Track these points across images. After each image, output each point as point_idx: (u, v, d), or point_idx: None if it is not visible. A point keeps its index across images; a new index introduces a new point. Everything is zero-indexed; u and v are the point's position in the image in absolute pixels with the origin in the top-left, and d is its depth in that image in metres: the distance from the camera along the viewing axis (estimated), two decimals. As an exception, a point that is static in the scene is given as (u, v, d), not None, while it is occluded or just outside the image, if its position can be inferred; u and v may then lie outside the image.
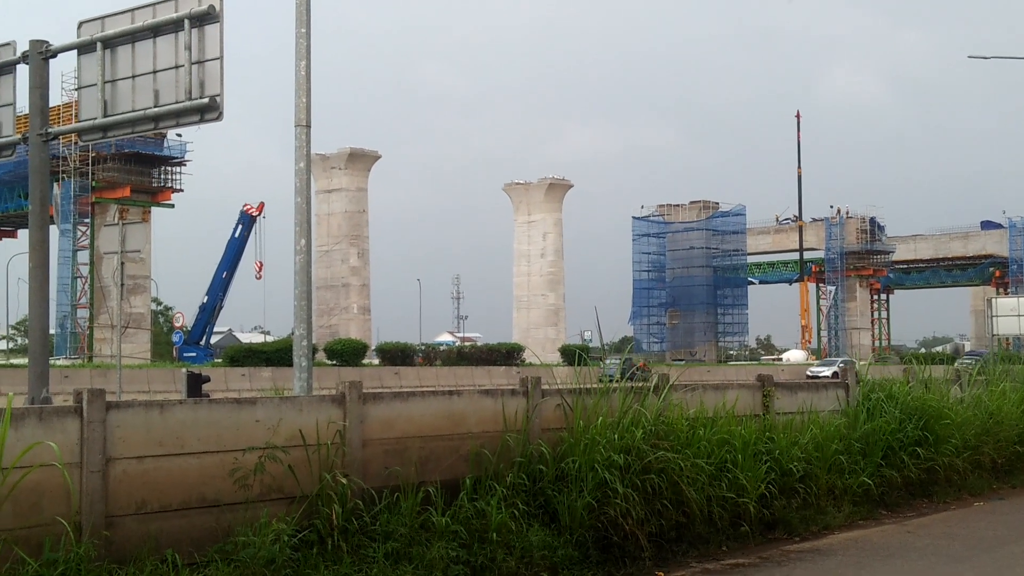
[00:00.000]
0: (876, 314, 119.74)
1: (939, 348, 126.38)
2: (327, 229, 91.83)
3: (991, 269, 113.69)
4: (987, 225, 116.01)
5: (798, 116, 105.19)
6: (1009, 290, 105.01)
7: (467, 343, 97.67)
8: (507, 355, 68.83)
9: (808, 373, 63.89)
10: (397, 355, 65.22)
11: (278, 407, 9.92)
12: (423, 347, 76.75)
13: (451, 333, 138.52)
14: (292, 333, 14.88)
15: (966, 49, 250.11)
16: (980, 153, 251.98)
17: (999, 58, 42.45)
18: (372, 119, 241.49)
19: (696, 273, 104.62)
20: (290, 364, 14.60)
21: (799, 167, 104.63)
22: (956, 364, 31.34)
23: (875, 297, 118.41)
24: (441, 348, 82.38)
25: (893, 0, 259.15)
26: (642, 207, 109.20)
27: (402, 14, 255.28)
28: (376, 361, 66.88)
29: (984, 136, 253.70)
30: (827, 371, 60.20)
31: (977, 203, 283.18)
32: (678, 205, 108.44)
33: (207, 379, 24.17)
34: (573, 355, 41.88)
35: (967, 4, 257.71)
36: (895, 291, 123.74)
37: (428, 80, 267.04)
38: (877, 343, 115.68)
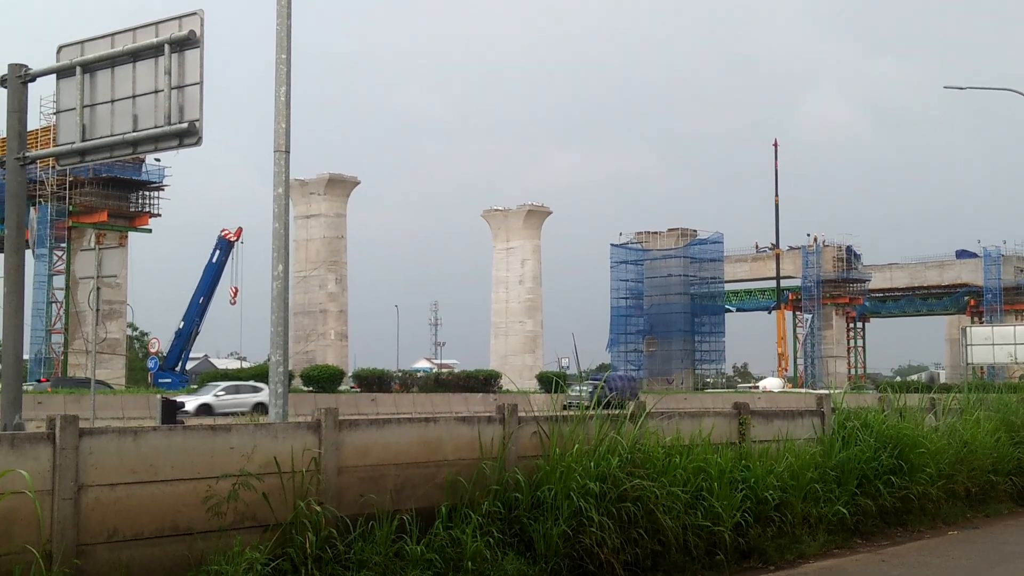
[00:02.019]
0: (852, 342, 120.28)
1: (914, 377, 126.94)
2: (305, 255, 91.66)
3: (966, 298, 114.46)
4: (962, 254, 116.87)
5: (775, 145, 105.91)
6: (984, 319, 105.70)
7: (444, 370, 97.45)
8: (484, 382, 68.71)
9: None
10: (374, 381, 64.98)
11: (253, 434, 9.88)
12: (400, 374, 76.53)
13: (429, 360, 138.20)
14: (268, 359, 14.84)
15: (942, 79, 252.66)
16: (956, 182, 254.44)
17: (974, 88, 42.91)
18: (352, 144, 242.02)
19: (673, 300, 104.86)
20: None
21: (776, 195, 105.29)
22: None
23: (851, 325, 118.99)
24: (418, 375, 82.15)
25: (869, 29, 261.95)
26: (620, 234, 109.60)
27: (383, 39, 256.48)
28: (353, 388, 66.63)
29: (960, 165, 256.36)
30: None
31: (953, 232, 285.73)
32: (656, 232, 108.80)
33: (182, 405, 24.05)
34: (550, 382, 41.95)
35: (942, 34, 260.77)
36: (871, 319, 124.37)
37: (409, 105, 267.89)
38: (853, 371, 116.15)
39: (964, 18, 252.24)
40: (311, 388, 60.75)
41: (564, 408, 13.29)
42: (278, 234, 14.04)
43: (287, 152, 14.14)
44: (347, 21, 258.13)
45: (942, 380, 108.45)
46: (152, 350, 71.48)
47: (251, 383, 52.25)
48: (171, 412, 22.58)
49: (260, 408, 36.35)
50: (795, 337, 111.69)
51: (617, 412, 13.44)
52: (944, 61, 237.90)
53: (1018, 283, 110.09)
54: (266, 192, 14.23)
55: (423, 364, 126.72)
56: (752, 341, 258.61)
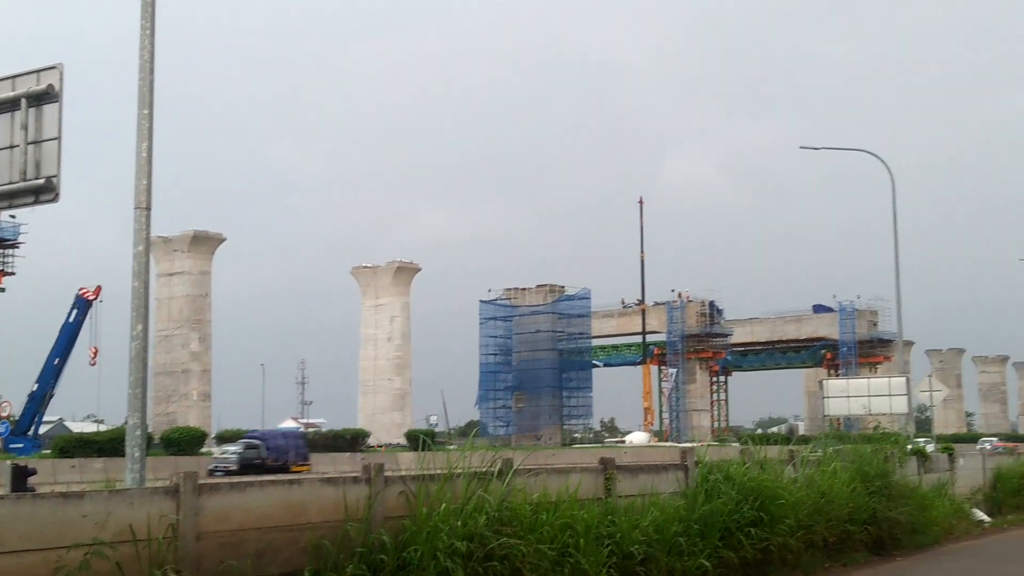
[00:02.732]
0: (715, 396, 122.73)
1: (775, 429, 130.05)
2: (168, 313, 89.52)
3: (823, 351, 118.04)
4: (819, 309, 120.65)
5: (641, 202, 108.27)
6: (840, 372, 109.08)
7: (311, 429, 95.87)
8: (352, 441, 67.91)
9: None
10: (239, 442, 63.43)
11: (107, 501, 9.54)
12: (266, 434, 74.87)
13: (295, 419, 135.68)
14: (126, 422, 14.40)
15: (798, 139, 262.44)
16: (812, 239, 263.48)
17: (829, 149, 44.62)
18: (219, 200, 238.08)
19: (542, 356, 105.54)
20: (124, 454, 14.11)
21: (642, 252, 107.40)
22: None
23: (714, 379, 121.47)
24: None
25: (729, 90, 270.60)
26: (489, 290, 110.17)
27: (249, 92, 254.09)
28: (216, 449, 65.02)
29: (816, 222, 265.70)
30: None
31: (810, 287, 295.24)
32: (525, 289, 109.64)
33: (33, 472, 23.10)
34: (418, 440, 41.68)
35: (798, 96, 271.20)
36: (733, 373, 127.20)
37: (277, 160, 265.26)
38: (716, 424, 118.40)
39: (818, 82, 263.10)
40: (172, 451, 59.06)
41: (210, 473, 13.21)
42: (137, 293, 13.70)
43: (148, 209, 13.84)
44: (214, 74, 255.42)
45: (801, 432, 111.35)
46: (3, 414, 68.52)
47: None
48: (21, 479, 21.63)
49: None
50: (660, 391, 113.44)
51: (484, 470, 13.37)
52: (800, 122, 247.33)
53: (871, 336, 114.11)
54: (129, 249, 13.90)
55: (289, 423, 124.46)
56: (619, 396, 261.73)
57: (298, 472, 46.95)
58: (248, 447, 52.78)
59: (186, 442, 60.38)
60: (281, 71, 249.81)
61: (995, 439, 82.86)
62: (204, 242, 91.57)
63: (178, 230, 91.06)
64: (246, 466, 48.30)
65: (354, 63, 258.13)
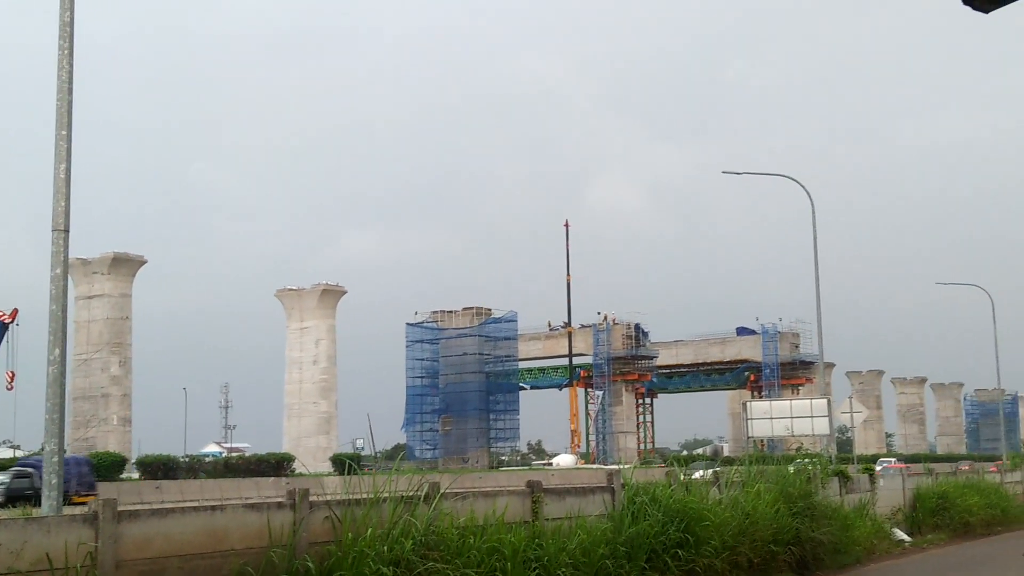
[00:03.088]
0: (641, 418, 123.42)
1: (700, 450, 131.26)
2: (87, 336, 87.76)
3: (746, 373, 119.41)
4: (742, 331, 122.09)
5: (567, 225, 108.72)
6: (763, 393, 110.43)
7: (235, 454, 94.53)
8: (277, 465, 67.02)
9: None
10: (159, 468, 62.46)
11: (23, 529, 9.31)
12: (187, 459, 73.82)
13: (218, 443, 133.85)
14: (43, 448, 14.07)
15: (720, 164, 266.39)
16: (735, 262, 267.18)
17: (750, 173, 45.28)
18: (139, 221, 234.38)
19: (469, 379, 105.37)
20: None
21: (568, 274, 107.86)
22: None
23: (640, 401, 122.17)
24: (207, 460, 79.37)
25: (650, 116, 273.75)
26: (416, 313, 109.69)
27: (172, 113, 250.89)
28: (136, 475, 63.82)
29: (738, 246, 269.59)
30: None
31: (734, 310, 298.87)
32: (451, 311, 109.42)
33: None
34: (344, 464, 41.32)
35: (721, 122, 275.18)
36: (659, 395, 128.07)
37: (198, 181, 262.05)
38: (642, 446, 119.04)
39: (739, 109, 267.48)
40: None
41: None
42: (55, 316, 13.43)
43: (66, 231, 13.60)
44: (134, 93, 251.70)
45: (726, 453, 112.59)
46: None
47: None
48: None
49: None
50: (587, 413, 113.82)
51: (411, 494, 13.28)
52: (723, 148, 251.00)
53: (794, 359, 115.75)
54: (45, 271, 13.61)
55: (212, 448, 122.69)
56: (546, 418, 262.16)
57: (82, 503, 39.05)
58: (18, 476, 46.45)
59: (106, 467, 59.16)
60: (200, 92, 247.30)
61: (893, 460, 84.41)
62: (124, 264, 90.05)
63: (98, 252, 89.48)
64: (15, 498, 40.41)
65: (277, 86, 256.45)
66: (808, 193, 39.57)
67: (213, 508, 11.49)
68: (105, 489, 49.15)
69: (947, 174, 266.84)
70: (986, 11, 5.79)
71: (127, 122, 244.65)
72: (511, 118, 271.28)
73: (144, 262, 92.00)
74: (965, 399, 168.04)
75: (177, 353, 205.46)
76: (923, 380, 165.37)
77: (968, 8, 5.69)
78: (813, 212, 39.33)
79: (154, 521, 10.54)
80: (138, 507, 12.31)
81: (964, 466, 59.05)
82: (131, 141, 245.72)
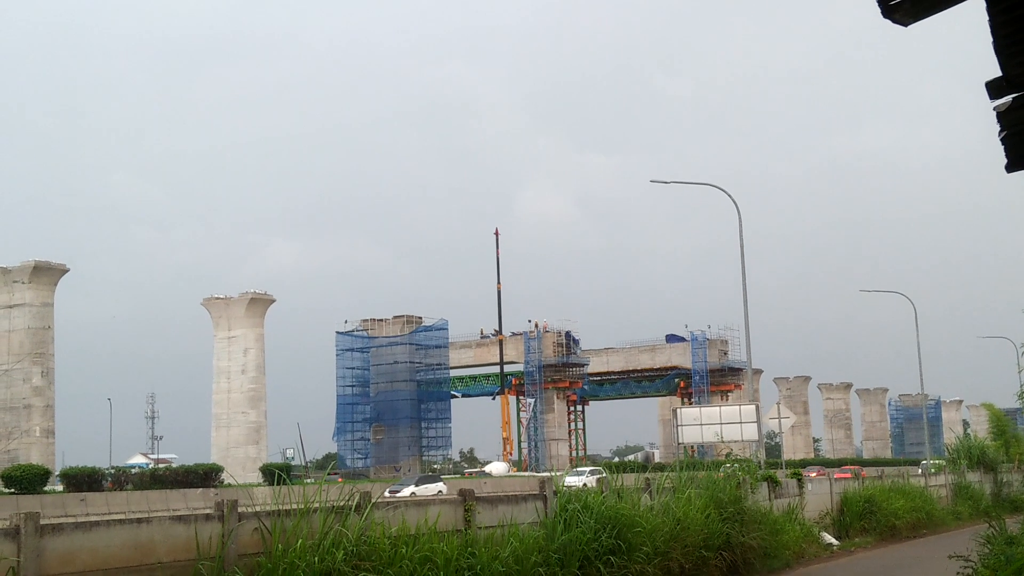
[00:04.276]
0: (573, 425, 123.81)
1: (631, 457, 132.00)
2: (7, 347, 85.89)
3: (676, 380, 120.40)
4: (672, 339, 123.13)
5: (496, 234, 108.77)
6: (693, 400, 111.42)
7: (162, 465, 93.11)
8: (205, 476, 66.05)
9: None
10: (84, 480, 61.22)
11: (-60, 545, 9.03)
12: (113, 471, 72.50)
13: (145, 455, 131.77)
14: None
15: (647, 173, 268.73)
16: (664, 270, 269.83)
17: (678, 183, 45.50)
18: (60, 230, 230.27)
19: (400, 387, 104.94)
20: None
21: (499, 283, 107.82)
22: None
23: (572, 408, 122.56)
24: (133, 471, 78.03)
25: (577, 127, 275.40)
26: (346, 322, 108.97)
27: (90, 121, 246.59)
28: (60, 488, 62.50)
29: (666, 254, 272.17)
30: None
31: (663, 317, 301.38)
32: (382, 320, 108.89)
33: None
34: (274, 475, 40.90)
35: (644, 133, 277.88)
36: (590, 402, 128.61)
37: (119, 190, 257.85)
38: (575, 453, 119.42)
39: (665, 119, 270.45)
40: (12, 490, 56.53)
41: None
42: (-26, 325, 13.08)
43: (-14, 238, 13.27)
44: (52, 100, 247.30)
45: (657, 459, 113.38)
46: None
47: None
48: None
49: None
50: (519, 421, 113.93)
51: (342, 504, 13.17)
52: (650, 157, 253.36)
53: (722, 365, 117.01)
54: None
55: (139, 459, 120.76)
56: (478, 426, 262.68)
57: None
58: None
59: (28, 480, 57.86)
60: (122, 98, 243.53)
61: (817, 468, 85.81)
62: (46, 273, 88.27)
63: (18, 260, 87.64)
64: None
65: (199, 95, 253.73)
66: (735, 202, 39.99)
67: (139, 521, 11.26)
68: (27, 503, 48.13)
69: (872, 185, 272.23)
70: (906, 24, 5.86)
71: (44, 128, 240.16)
72: (438, 129, 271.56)
73: (66, 270, 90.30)
74: (890, 404, 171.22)
75: (101, 363, 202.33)
76: (849, 386, 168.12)
77: (888, 21, 5.75)
78: (740, 221, 39.76)
79: (78, 535, 10.30)
80: (62, 520, 12.03)
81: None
82: (44, 149, 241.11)
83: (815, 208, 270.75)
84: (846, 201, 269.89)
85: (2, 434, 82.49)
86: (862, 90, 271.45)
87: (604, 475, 23.28)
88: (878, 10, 5.61)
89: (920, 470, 56.20)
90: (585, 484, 22.75)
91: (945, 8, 5.78)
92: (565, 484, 21.55)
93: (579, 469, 73.35)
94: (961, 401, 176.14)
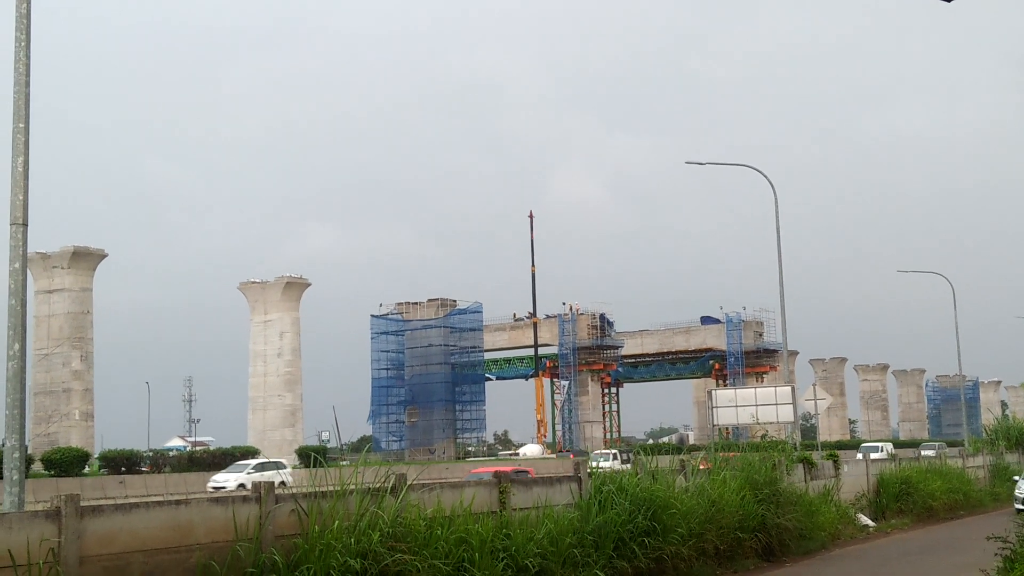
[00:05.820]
0: (607, 407, 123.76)
1: (666, 439, 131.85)
2: (47, 331, 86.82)
3: (711, 362, 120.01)
4: (706, 320, 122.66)
5: (531, 216, 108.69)
6: (728, 382, 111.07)
7: (199, 447, 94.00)
8: (242, 459, 66.66)
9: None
10: (123, 463, 61.99)
11: (-16, 526, 9.18)
12: (151, 453, 73.32)
13: (182, 437, 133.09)
14: (3, 444, 13.90)
15: (680, 153, 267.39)
16: (698, 251, 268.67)
17: (713, 164, 45.30)
18: (98, 215, 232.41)
19: (434, 370, 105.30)
20: (1, 477, 13.60)
21: (533, 265, 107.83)
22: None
23: (606, 391, 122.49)
24: (171, 454, 78.92)
25: (609, 108, 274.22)
26: (381, 305, 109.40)
27: (126, 107, 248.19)
28: (100, 469, 63.29)
29: (701, 235, 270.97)
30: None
31: (698, 299, 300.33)
32: (416, 303, 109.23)
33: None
34: (310, 457, 41.18)
35: (678, 114, 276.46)
36: (624, 384, 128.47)
37: (153, 176, 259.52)
38: (609, 435, 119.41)
39: (698, 99, 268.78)
40: (53, 472, 57.30)
41: None
42: (14, 311, 13.24)
43: (25, 225, 13.41)
44: (87, 88, 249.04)
45: (691, 441, 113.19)
46: None
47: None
48: None
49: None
50: (553, 403, 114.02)
51: (377, 486, 13.26)
52: (682, 139, 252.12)
53: (757, 347, 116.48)
54: (2, 266, 13.46)
55: (176, 442, 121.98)
56: (512, 408, 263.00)
57: None
58: None
59: (68, 463, 58.65)
60: (157, 86, 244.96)
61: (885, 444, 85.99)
62: (85, 258, 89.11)
63: (57, 246, 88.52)
64: None
65: (235, 82, 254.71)
66: (771, 183, 39.76)
67: (177, 503, 11.39)
68: (67, 485, 48.77)
69: (908, 165, 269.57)
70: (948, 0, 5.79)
71: (80, 116, 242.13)
72: (471, 112, 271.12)
73: (104, 256, 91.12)
74: (927, 385, 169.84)
75: (139, 347, 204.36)
76: (886, 367, 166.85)
77: (930, -3, 5.67)
78: (776, 202, 39.53)
79: (118, 517, 10.44)
80: (101, 503, 12.19)
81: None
82: (86, 136, 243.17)
83: (851, 189, 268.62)
84: (883, 182, 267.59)
85: (42, 417, 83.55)
86: (901, 70, 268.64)
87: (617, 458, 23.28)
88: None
89: (932, 451, 56.06)
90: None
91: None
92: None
93: (602, 452, 73.38)
94: (1000, 382, 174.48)
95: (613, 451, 71.14)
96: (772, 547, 21.45)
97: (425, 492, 14.00)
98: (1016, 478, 36.59)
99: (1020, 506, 33.23)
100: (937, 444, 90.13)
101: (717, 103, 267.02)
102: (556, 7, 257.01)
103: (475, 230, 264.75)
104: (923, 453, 52.29)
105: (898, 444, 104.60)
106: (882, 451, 67.35)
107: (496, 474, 16.23)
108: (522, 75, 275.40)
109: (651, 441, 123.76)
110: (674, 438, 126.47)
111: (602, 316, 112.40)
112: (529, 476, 21.06)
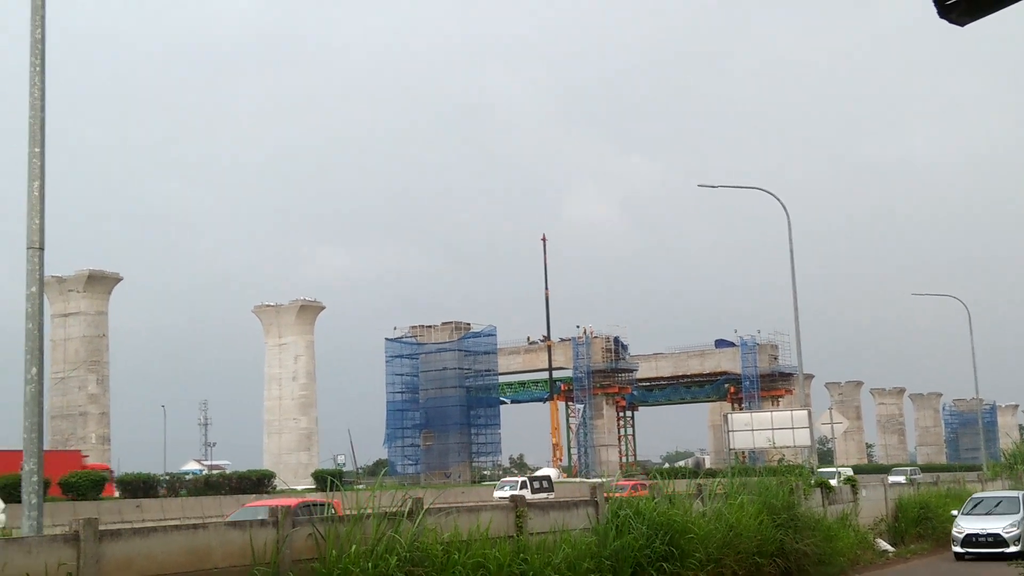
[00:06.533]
0: (622, 431, 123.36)
1: (681, 462, 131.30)
2: (63, 355, 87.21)
3: (726, 385, 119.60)
4: (721, 344, 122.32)
5: (544, 239, 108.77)
6: (743, 405, 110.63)
7: (215, 471, 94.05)
8: (258, 482, 66.62)
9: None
10: (139, 486, 62.01)
11: (3, 550, 9.20)
12: (168, 477, 73.35)
13: (198, 461, 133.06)
14: (22, 468, 13.91)
15: (692, 176, 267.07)
16: (712, 274, 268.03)
17: (726, 187, 45.27)
18: (113, 239, 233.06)
19: (449, 393, 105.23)
20: (20, 501, 13.61)
21: (546, 288, 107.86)
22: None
23: (621, 414, 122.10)
24: (187, 477, 78.95)
25: (619, 130, 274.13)
26: (395, 328, 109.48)
27: (139, 131, 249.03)
28: (116, 494, 63.33)
29: (714, 258, 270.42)
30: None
31: (712, 322, 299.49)
32: (430, 326, 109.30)
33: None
34: (326, 481, 41.16)
35: (687, 136, 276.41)
36: (639, 408, 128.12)
37: (170, 199, 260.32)
38: (624, 459, 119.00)
39: (711, 122, 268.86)
40: (70, 496, 57.34)
41: None
42: (31, 335, 13.28)
43: (41, 249, 13.48)
44: (101, 113, 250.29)
45: (707, 465, 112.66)
46: None
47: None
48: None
49: None
50: (568, 427, 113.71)
51: (394, 510, 13.24)
52: (692, 162, 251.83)
53: (773, 370, 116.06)
54: (19, 290, 13.50)
55: (192, 466, 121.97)
56: (527, 432, 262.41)
57: None
58: None
59: (85, 487, 58.66)
60: (172, 108, 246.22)
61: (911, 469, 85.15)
62: (100, 282, 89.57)
63: (72, 270, 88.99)
64: None
65: (246, 103, 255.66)
66: (784, 206, 39.69)
67: (195, 527, 11.39)
68: (85, 509, 48.80)
69: (923, 188, 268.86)
70: (962, 24, 5.75)
71: (91, 139, 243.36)
72: (480, 135, 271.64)
73: (120, 279, 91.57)
74: (944, 409, 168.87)
75: (155, 370, 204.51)
76: (902, 390, 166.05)
77: (944, 21, 5.65)
78: (789, 225, 39.45)
79: (136, 541, 10.44)
80: (119, 527, 12.19)
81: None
82: (100, 158, 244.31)
83: (865, 212, 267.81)
84: (897, 205, 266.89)
85: (59, 441, 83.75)
86: (906, 89, 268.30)
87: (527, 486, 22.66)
88: (934, 10, 5.53)
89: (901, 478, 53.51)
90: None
91: (1002, 8, 5.69)
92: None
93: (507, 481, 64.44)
94: (1017, 406, 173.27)
95: (521, 478, 63.61)
96: (791, 572, 21.31)
97: (442, 516, 13.96)
98: (954, 512, 30.17)
99: (959, 548, 28.21)
100: (910, 468, 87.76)
101: (725, 124, 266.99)
102: (566, 29, 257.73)
103: (487, 252, 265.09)
104: (890, 480, 48.47)
105: (923, 469, 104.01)
106: (910, 475, 66.60)
107: (513, 498, 16.19)
108: (533, 96, 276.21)
109: (667, 465, 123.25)
110: (690, 462, 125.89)
111: (616, 339, 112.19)
112: (322, 507, 16.19)
